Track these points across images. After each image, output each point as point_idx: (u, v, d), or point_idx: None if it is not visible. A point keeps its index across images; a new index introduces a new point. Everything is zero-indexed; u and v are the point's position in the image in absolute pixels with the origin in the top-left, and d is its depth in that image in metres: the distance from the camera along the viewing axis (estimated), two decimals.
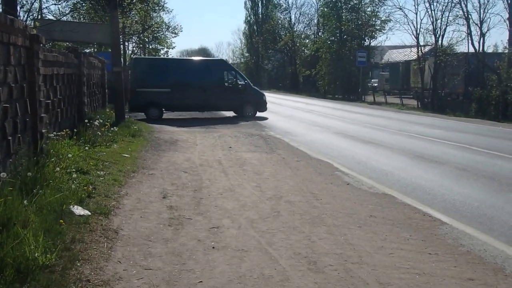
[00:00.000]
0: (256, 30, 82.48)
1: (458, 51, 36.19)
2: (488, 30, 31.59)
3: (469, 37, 32.10)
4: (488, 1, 31.58)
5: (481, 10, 31.35)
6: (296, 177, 9.50)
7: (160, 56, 44.76)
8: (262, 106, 23.52)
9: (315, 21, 62.54)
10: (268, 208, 7.23)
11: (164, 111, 22.18)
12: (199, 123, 19.71)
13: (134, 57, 23.48)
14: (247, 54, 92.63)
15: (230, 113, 24.79)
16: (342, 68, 43.80)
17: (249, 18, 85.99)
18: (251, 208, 7.21)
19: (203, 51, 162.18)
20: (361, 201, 7.83)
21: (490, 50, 37.82)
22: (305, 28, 66.47)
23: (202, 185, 8.62)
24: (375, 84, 51.48)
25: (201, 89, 22.08)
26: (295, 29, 66.34)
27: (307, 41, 64.02)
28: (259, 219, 6.68)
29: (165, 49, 45.72)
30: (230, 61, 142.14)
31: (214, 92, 22.32)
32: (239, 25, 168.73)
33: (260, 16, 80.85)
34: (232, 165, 10.59)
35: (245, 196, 7.89)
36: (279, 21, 69.36)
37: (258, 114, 23.18)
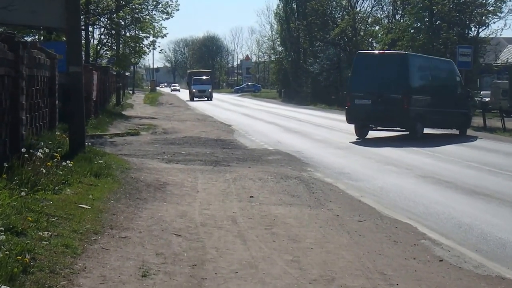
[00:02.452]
0: (297, 10, 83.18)
1: None
2: None
3: None
4: None
5: None
6: (357, 248, 9.44)
7: (143, 48, 45.33)
8: (469, 122, 29.86)
9: None
10: None
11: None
12: (202, 156, 19.77)
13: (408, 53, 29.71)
14: (280, 48, 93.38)
15: (252, 140, 24.87)
16: None
17: None
18: None
19: (210, 41, 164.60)
20: None
21: None
22: (374, 9, 66.97)
23: (206, 257, 8.61)
24: (486, 99, 51.17)
25: (442, 98, 27.79)
26: (357, 9, 66.77)
27: (377, 28, 64.38)
28: None
29: (151, 38, 46.22)
30: (254, 58, 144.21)
31: (449, 103, 28.11)
32: (269, 2, 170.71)
33: None
34: (254, 226, 10.56)
35: (275, 277, 7.86)
36: None
37: None
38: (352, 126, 28.07)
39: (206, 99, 77.79)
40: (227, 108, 55.85)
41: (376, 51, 31.96)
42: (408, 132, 27.67)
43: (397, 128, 27.98)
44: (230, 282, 7.59)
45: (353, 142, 25.82)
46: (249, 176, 15.96)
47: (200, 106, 59.85)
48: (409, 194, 14.49)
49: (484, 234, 10.83)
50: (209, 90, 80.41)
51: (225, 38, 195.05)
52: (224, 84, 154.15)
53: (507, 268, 8.78)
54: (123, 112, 43.53)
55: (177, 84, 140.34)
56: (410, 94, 26.17)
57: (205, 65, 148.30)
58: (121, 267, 7.88)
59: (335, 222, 11.10)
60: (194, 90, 79.63)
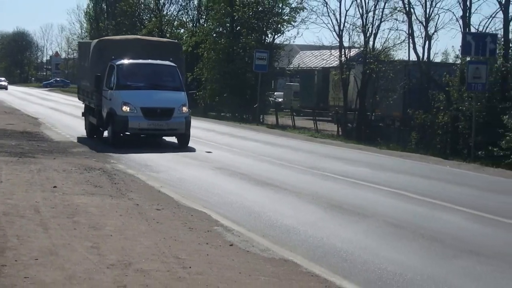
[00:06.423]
0: (106, 10, 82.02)
1: (396, 59, 38.25)
2: (435, 31, 33.40)
3: (410, 39, 34.00)
4: None
5: (427, 3, 33.29)
6: (155, 234, 9.50)
7: None
8: None
9: (195, 2, 63.48)
10: (108, 281, 7.18)
11: None
12: (7, 148, 19.05)
13: None
14: None
15: (58, 133, 24.37)
16: (233, 73, 44.62)
17: None
18: (82, 281, 7.12)
19: (20, 36, 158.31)
20: (250, 270, 7.96)
21: (438, 59, 40.40)
22: (180, 12, 67.18)
23: (6, 245, 8.38)
24: (279, 99, 52.90)
25: None
26: (165, 12, 66.79)
27: (182, 31, 64.63)
28: None
29: None
30: (63, 54, 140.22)
31: None
32: (79, 2, 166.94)
33: None
34: (56, 215, 10.37)
35: (75, 263, 7.78)
36: (142, 0, 69.61)
37: None
38: None
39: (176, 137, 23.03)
40: (35, 102, 54.03)
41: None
42: None
43: None
44: (30, 269, 7.42)
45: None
46: (54, 167, 15.63)
47: (7, 99, 57.49)
48: (205, 185, 14.72)
49: (272, 221, 11.21)
50: (183, 107, 21.88)
51: (35, 34, 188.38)
52: (33, 78, 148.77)
53: (290, 251, 9.13)
54: None
55: (3, 79, 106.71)
56: None
57: (14, 60, 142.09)
58: None
59: (135, 211, 11.11)
60: (125, 108, 21.15)
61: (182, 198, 12.71)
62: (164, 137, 23.65)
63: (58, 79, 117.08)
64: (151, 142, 22.80)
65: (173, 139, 22.71)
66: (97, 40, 25.95)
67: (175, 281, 7.32)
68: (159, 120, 21.33)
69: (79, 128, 26.51)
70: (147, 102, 21.33)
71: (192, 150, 21.58)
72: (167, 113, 21.39)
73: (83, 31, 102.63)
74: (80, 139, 23.22)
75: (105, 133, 22.76)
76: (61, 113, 39.18)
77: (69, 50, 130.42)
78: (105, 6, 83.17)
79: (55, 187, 12.89)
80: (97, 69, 22.59)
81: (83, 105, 26.40)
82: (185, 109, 21.82)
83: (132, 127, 21.12)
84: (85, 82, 25.62)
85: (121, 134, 21.73)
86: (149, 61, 22.77)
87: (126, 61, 22.43)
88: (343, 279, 7.90)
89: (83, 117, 26.04)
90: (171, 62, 22.83)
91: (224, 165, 18.20)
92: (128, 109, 21.01)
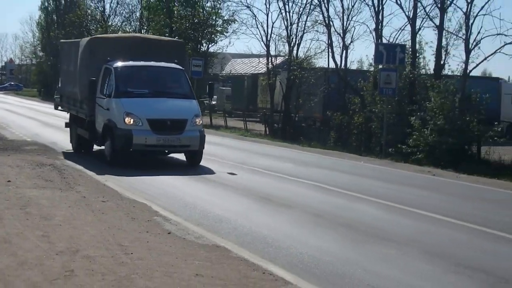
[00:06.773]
0: (57, 20, 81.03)
1: (317, 66, 38.72)
2: (352, 41, 34.05)
3: (329, 49, 34.46)
4: (352, 7, 33.94)
5: (344, 17, 33.84)
6: (100, 224, 9.46)
7: None
8: None
9: (138, 14, 63.03)
10: (58, 266, 7.14)
11: None
12: None
13: None
14: (41, 53, 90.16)
15: (12, 133, 23.92)
16: None
17: (46, 4, 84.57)
18: (33, 267, 7.07)
19: None
20: (186, 255, 8.01)
21: (354, 67, 41.00)
22: (124, 23, 66.64)
23: None
24: (213, 102, 52.88)
25: None
26: (110, 23, 66.14)
27: None
28: (44, 282, 6.58)
29: None
30: (17, 61, 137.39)
31: None
32: (32, 12, 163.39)
33: (63, 2, 79.90)
34: (9, 207, 10.25)
35: (26, 250, 7.71)
36: (89, 11, 68.77)
37: None
38: None
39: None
40: None
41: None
42: None
43: None
44: None
45: None
46: (8, 163, 15.40)
47: None
48: (146, 179, 14.70)
49: (205, 211, 11.27)
50: (196, 118, 17.22)
51: None
52: None
53: (222, 238, 9.22)
54: None
55: None
56: None
57: None
58: None
59: (82, 203, 11.04)
60: (128, 119, 16.14)
61: (125, 191, 12.67)
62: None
63: (12, 83, 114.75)
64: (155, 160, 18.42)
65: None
66: (88, 38, 20.06)
67: (118, 265, 7.32)
68: (169, 134, 16.26)
69: (32, 128, 26.07)
70: (155, 112, 16.30)
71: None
72: (178, 126, 16.42)
73: (35, 39, 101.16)
74: (66, 155, 18.62)
75: (96, 146, 18.76)
76: (15, 115, 38.35)
77: (22, 56, 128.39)
78: (55, 17, 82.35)
79: (9, 181, 12.75)
80: (89, 73, 17.34)
81: (68, 115, 21.00)
82: (198, 120, 17.23)
83: (137, 143, 15.99)
84: (71, 89, 19.60)
85: (123, 152, 16.28)
86: (152, 63, 17.59)
87: (125, 64, 17.24)
88: (269, 263, 8.00)
89: (68, 129, 20.62)
90: (177, 65, 17.87)
91: (163, 162, 18.11)
92: (132, 121, 15.99)
